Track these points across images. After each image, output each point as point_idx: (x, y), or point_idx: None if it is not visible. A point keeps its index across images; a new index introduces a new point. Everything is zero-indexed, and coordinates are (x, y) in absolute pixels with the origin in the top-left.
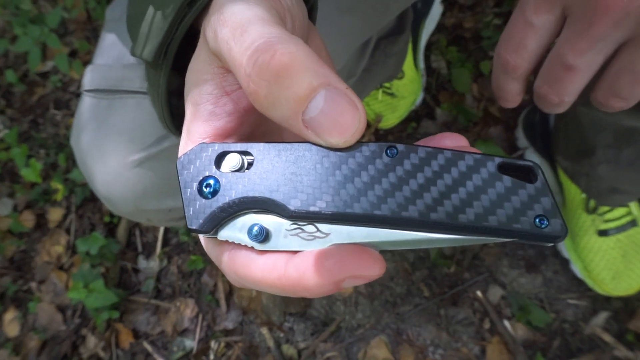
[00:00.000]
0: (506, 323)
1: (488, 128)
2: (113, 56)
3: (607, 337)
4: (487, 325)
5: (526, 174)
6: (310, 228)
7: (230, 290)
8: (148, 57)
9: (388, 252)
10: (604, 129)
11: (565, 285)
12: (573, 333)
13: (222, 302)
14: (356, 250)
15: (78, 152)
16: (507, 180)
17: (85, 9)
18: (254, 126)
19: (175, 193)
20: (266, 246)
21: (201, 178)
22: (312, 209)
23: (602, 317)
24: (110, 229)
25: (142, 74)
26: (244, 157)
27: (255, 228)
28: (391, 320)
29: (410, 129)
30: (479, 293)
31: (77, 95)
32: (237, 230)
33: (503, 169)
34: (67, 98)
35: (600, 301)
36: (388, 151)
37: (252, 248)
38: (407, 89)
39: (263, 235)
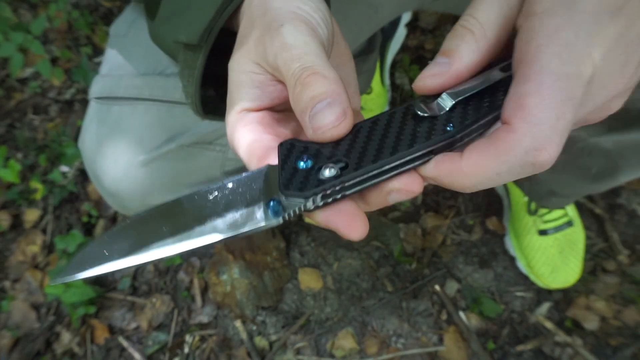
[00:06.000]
0: (461, 314)
1: None
2: (120, 68)
3: (549, 325)
4: (444, 316)
5: None
6: None
7: (206, 286)
8: (194, 40)
9: (355, 252)
10: None
11: (514, 279)
12: (520, 322)
13: (198, 298)
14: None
15: (86, 152)
16: None
17: (68, 19)
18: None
19: (178, 189)
20: None
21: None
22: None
23: (545, 307)
24: (88, 229)
25: (151, 83)
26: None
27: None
28: (357, 313)
29: None
30: (437, 287)
31: (57, 101)
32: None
33: None
34: (46, 104)
35: (544, 293)
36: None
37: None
38: (375, 102)
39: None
